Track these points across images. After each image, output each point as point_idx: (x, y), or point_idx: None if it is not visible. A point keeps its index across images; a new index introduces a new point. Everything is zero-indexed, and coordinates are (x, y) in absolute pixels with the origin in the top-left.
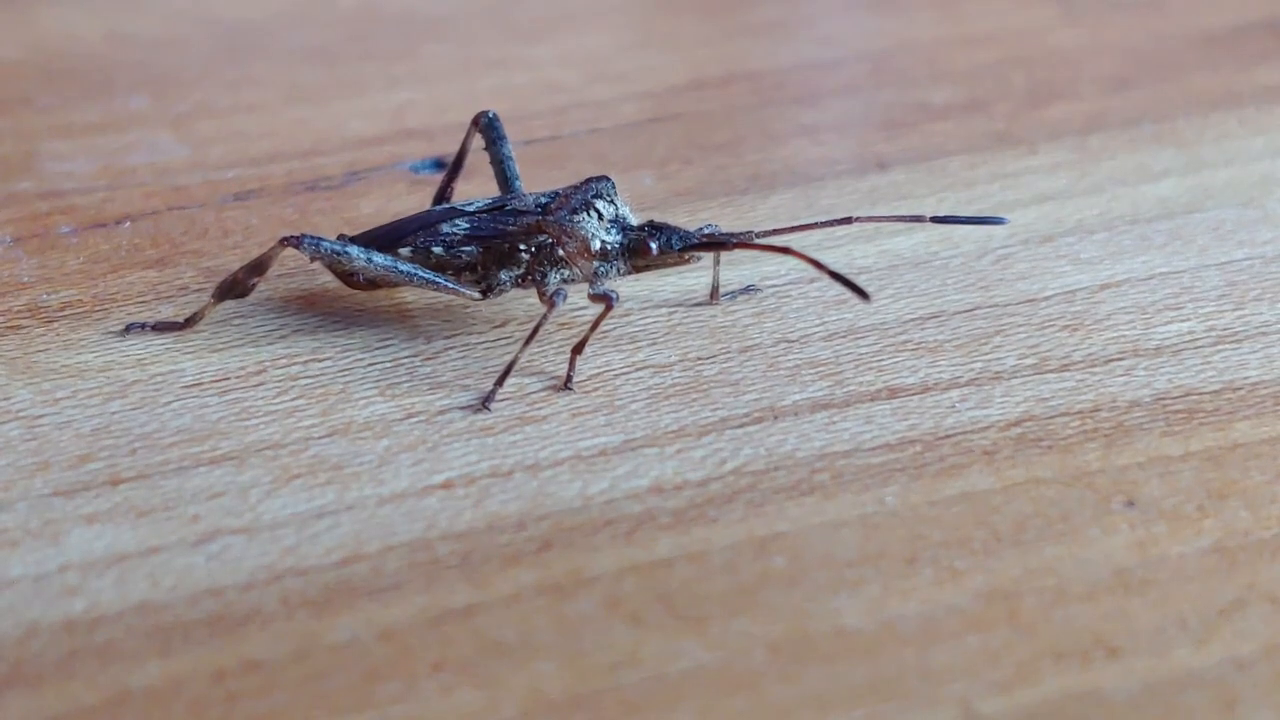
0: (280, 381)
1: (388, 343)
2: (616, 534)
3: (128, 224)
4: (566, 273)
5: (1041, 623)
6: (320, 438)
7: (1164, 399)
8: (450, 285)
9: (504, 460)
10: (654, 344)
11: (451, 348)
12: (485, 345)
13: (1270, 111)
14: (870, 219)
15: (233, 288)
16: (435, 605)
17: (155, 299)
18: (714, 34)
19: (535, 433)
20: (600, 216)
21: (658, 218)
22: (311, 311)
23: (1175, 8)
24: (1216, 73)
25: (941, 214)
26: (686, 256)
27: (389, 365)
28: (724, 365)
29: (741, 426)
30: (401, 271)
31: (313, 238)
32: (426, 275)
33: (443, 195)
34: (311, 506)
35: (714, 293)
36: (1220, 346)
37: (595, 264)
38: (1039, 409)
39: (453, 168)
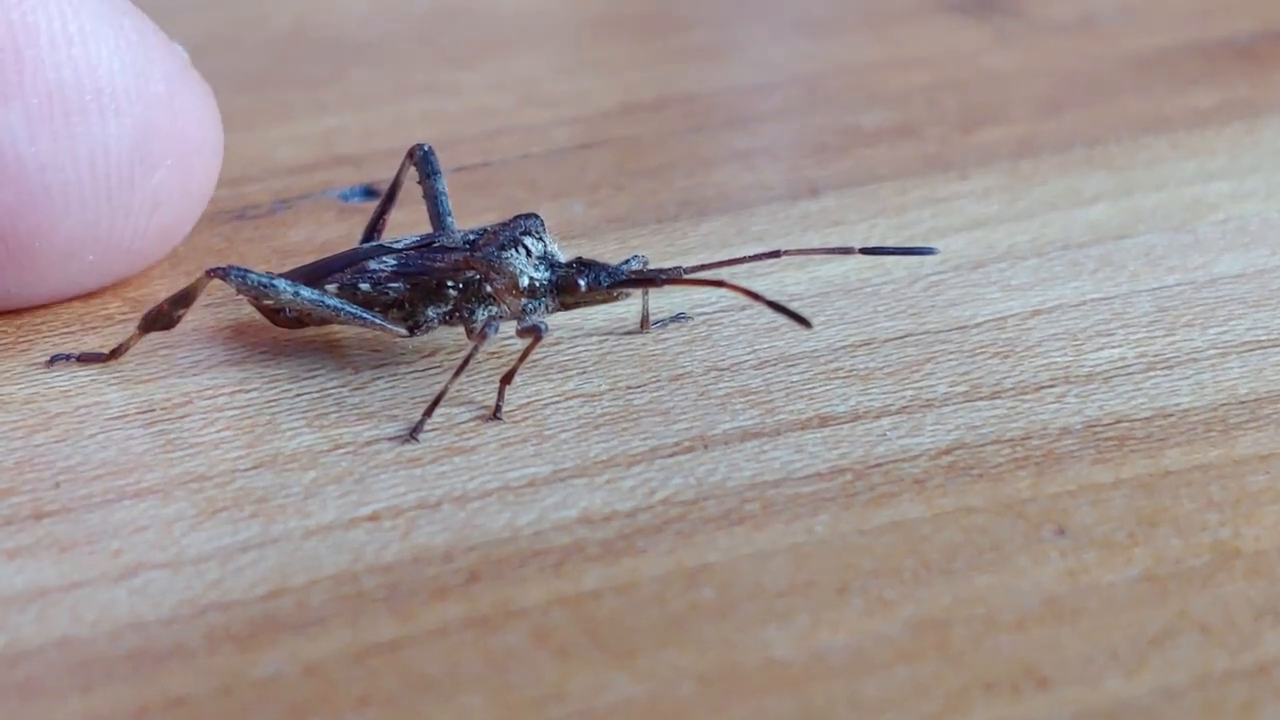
0: (206, 413)
1: (315, 373)
2: (544, 566)
3: None
4: (494, 309)
5: (971, 653)
6: (246, 470)
7: (1095, 426)
8: (377, 322)
9: (431, 492)
10: (584, 373)
11: (380, 378)
12: (414, 375)
13: (1201, 135)
14: (799, 252)
15: (158, 319)
16: (361, 639)
17: (81, 330)
18: (646, 58)
19: (463, 463)
20: (529, 253)
21: (588, 245)
22: (238, 342)
23: (1106, 31)
24: (1148, 96)
25: (871, 244)
26: (615, 294)
27: (316, 396)
28: (654, 394)
29: (671, 456)
30: (328, 306)
31: (240, 269)
32: (353, 310)
33: (375, 227)
34: (236, 540)
35: (644, 321)
36: (1151, 373)
37: (523, 301)
38: (970, 437)
39: (385, 200)
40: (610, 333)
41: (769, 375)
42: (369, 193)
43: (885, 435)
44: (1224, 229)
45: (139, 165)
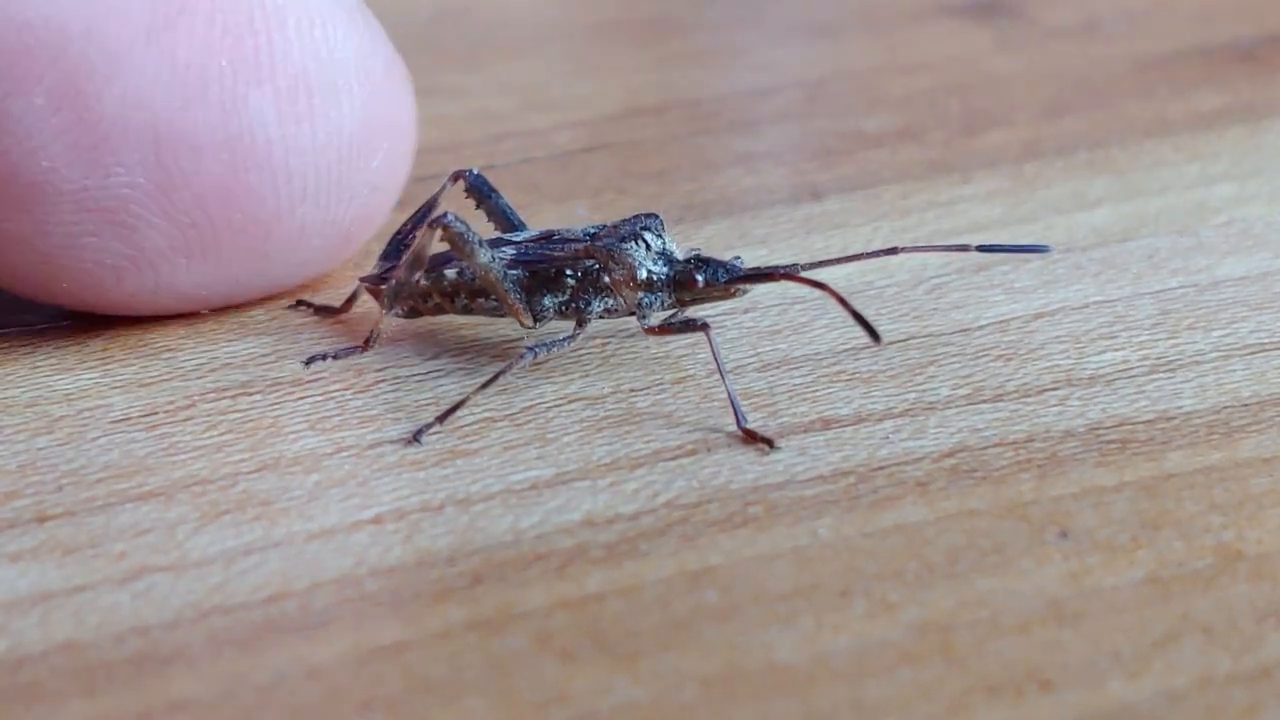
0: (209, 416)
1: (318, 375)
2: (548, 569)
3: None
4: (610, 301)
5: (974, 656)
6: (249, 473)
7: (1098, 429)
8: (518, 303)
9: (435, 494)
10: (587, 376)
11: (383, 380)
12: (417, 379)
13: (1204, 138)
14: (916, 249)
15: (401, 289)
16: (364, 643)
17: (83, 334)
18: (649, 62)
19: (466, 466)
20: (648, 247)
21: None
22: (241, 345)
23: (1109, 35)
24: (1151, 99)
25: (987, 243)
26: (732, 290)
27: (319, 398)
28: (657, 397)
29: (674, 459)
30: (498, 276)
31: (461, 219)
32: (510, 286)
33: (403, 242)
34: (239, 543)
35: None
36: (1154, 376)
37: (640, 295)
38: (973, 439)
39: (417, 216)
40: (613, 336)
41: (772, 378)
42: None
43: (888, 438)
44: (1227, 232)
45: (362, 148)
